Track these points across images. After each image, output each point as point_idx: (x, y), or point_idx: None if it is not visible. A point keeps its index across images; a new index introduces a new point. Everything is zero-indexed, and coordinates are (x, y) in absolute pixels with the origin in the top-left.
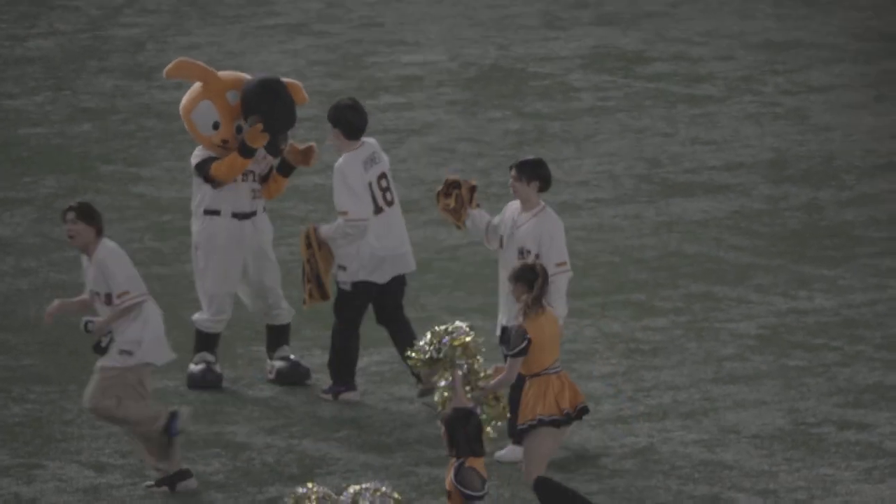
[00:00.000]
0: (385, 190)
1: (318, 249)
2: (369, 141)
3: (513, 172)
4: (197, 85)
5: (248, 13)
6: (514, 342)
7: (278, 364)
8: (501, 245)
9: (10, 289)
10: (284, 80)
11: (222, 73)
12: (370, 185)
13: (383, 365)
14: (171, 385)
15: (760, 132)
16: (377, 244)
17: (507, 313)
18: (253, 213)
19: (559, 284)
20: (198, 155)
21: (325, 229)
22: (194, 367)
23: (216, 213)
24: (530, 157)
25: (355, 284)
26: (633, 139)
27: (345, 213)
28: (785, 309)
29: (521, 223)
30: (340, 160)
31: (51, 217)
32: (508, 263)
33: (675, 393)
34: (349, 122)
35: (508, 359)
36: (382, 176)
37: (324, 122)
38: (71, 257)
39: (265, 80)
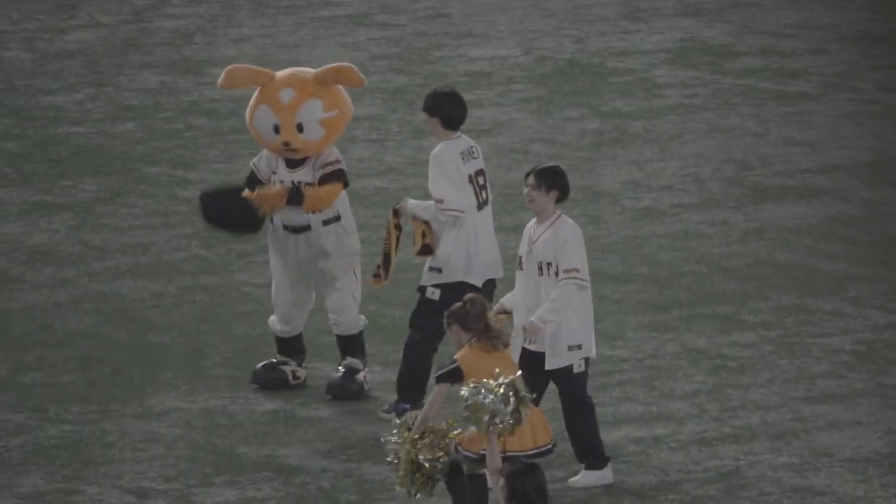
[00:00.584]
0: (482, 188)
1: (393, 229)
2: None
3: (530, 180)
4: (257, 90)
5: (304, 3)
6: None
7: (333, 375)
8: (521, 266)
9: (48, 301)
10: (335, 64)
11: (279, 73)
12: (470, 178)
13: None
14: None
15: (858, 132)
16: (475, 243)
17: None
18: (305, 228)
19: (565, 290)
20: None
21: (414, 204)
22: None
23: (271, 221)
24: (549, 163)
25: (447, 289)
26: (720, 139)
27: (440, 202)
28: (883, 323)
29: (537, 236)
30: (438, 148)
31: (91, 223)
32: (530, 283)
33: (763, 413)
34: (448, 112)
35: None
36: (480, 173)
37: (385, 121)
38: (112, 266)
39: (205, 200)
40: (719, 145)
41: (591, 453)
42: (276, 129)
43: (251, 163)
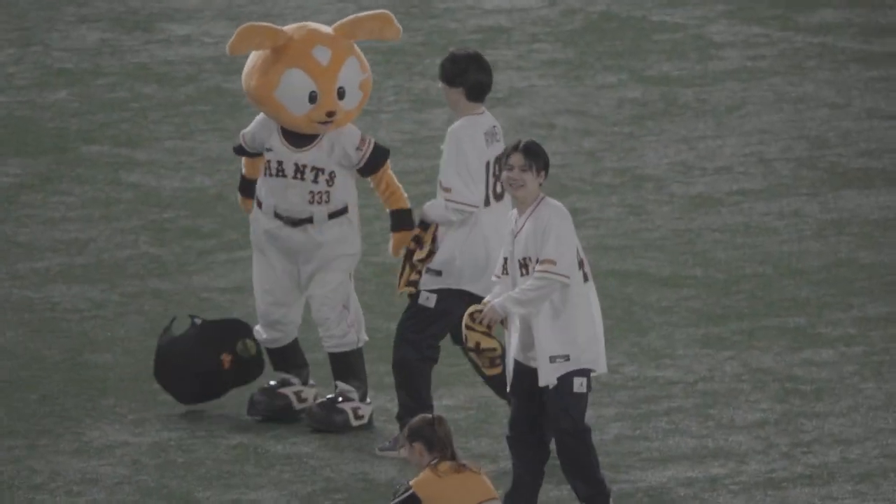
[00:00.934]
0: (498, 178)
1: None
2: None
3: (516, 160)
4: (260, 55)
5: None
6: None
7: (313, 402)
8: (505, 270)
9: None
10: (367, 13)
11: (289, 29)
12: (487, 165)
13: (458, 411)
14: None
15: None
16: (485, 245)
17: (517, 347)
18: (306, 220)
19: (536, 283)
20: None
21: (428, 207)
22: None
23: (259, 203)
24: (529, 138)
25: (445, 297)
26: (790, 112)
27: (448, 191)
28: None
29: (518, 228)
30: (458, 123)
31: (15, 214)
32: (515, 286)
33: (844, 448)
34: (473, 80)
35: None
36: (499, 160)
37: (378, 89)
38: (42, 268)
39: None
40: (789, 119)
41: (593, 497)
42: (313, 98)
43: (241, 134)
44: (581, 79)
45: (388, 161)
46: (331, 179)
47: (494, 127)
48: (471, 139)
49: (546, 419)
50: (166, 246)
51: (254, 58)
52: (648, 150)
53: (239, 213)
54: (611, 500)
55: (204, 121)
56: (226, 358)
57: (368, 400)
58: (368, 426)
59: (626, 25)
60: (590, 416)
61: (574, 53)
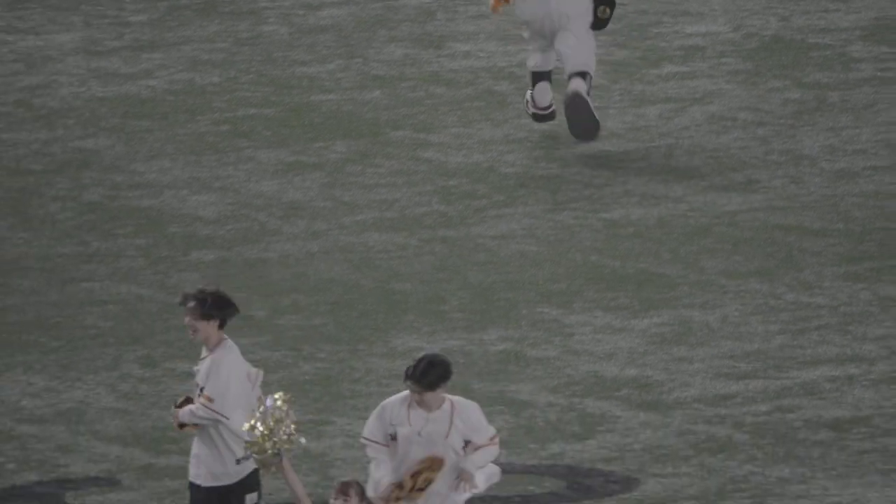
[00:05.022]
0: None
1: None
2: None
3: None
4: None
5: None
6: None
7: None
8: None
9: (302, 251)
10: None
11: None
12: None
13: (663, 326)
14: None
15: None
16: None
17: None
18: None
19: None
20: None
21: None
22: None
23: None
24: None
25: None
26: None
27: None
28: None
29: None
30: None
31: (341, 181)
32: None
33: None
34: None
35: None
36: None
37: (607, 91)
38: (360, 220)
39: None
40: None
41: None
42: None
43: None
44: (756, 84)
45: None
46: None
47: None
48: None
49: None
50: (452, 205)
51: None
52: (805, 136)
53: (506, 181)
54: None
55: (479, 113)
56: None
57: None
58: None
59: (790, 46)
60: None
61: (751, 65)
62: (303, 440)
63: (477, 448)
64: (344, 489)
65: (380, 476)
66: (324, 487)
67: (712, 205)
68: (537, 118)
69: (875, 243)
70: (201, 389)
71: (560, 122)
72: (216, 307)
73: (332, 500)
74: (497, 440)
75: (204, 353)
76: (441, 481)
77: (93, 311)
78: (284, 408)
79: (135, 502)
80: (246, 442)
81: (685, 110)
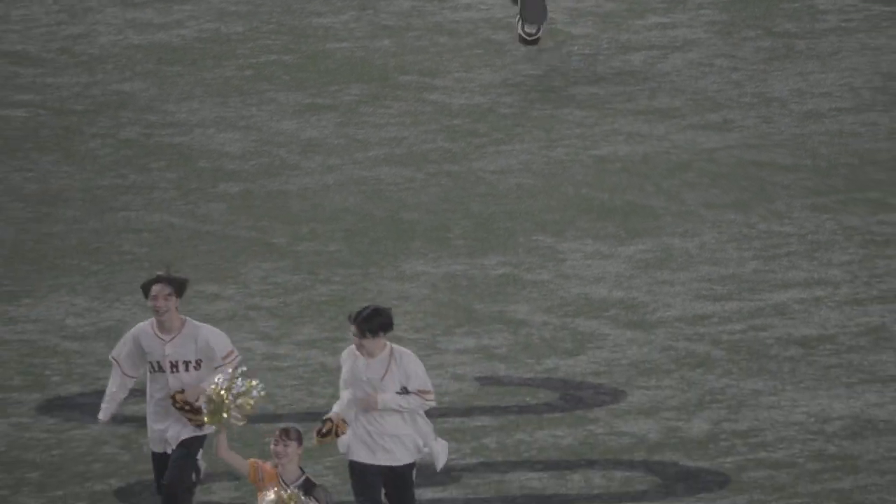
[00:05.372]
0: None
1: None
2: None
3: (361, 332)
4: None
5: None
6: None
7: None
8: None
9: (319, 184)
10: None
11: None
12: None
13: (647, 253)
14: None
15: None
16: None
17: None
18: None
19: None
20: None
21: (389, 399)
22: None
23: None
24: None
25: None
26: (871, 56)
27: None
28: None
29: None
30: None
31: (354, 121)
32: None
33: None
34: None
35: None
36: None
37: (596, 40)
38: (372, 156)
39: None
40: (870, 61)
41: None
42: None
43: None
44: (731, 33)
45: None
46: None
47: None
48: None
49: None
50: (455, 142)
51: None
52: (775, 81)
53: (504, 120)
54: None
55: (479, 60)
56: None
57: None
58: None
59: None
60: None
61: (727, 16)
62: (241, 422)
63: (408, 393)
64: (285, 433)
65: (335, 406)
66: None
67: (692, 142)
68: (524, 41)
69: (840, 177)
70: (186, 364)
71: (553, 68)
72: (183, 290)
73: (272, 446)
74: (430, 397)
75: (164, 335)
76: (391, 424)
77: (129, 237)
78: (250, 391)
79: None
80: (206, 396)
81: (667, 57)
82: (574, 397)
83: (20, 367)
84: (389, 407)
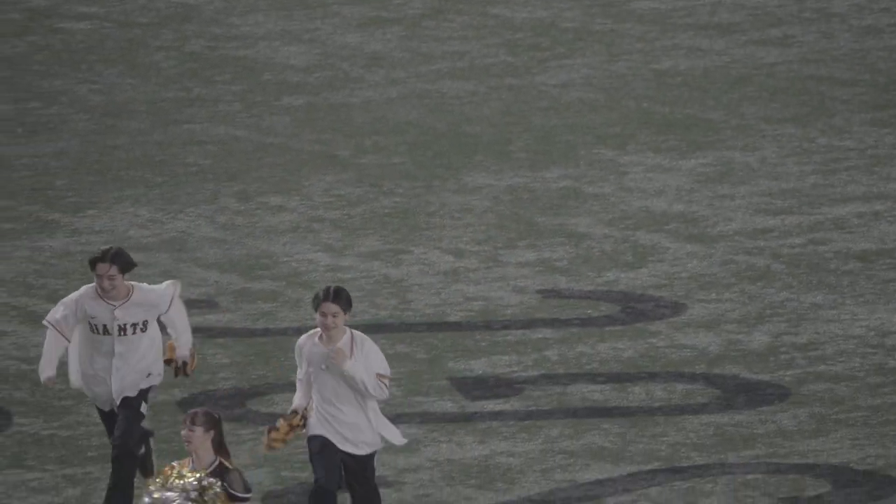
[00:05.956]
0: None
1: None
2: None
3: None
4: None
5: None
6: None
7: None
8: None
9: (382, 97)
10: None
11: None
12: None
13: (708, 166)
14: None
15: None
16: None
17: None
18: None
19: None
20: None
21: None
22: None
23: None
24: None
25: None
26: None
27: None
28: None
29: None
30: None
31: (418, 34)
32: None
33: None
34: None
35: None
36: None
37: None
38: (435, 69)
39: None
40: None
41: None
42: None
43: None
44: None
45: None
46: None
47: None
48: None
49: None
50: (517, 56)
51: None
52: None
53: (566, 34)
54: None
55: None
56: None
57: None
58: None
59: None
60: None
61: None
62: None
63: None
64: (190, 419)
65: (294, 400)
66: (401, 310)
67: (752, 57)
68: None
69: None
70: (134, 326)
71: None
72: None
73: (181, 430)
74: (387, 381)
75: (113, 301)
76: (351, 412)
77: (193, 150)
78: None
79: (231, 322)
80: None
81: None
82: (635, 310)
83: (85, 278)
84: (354, 374)
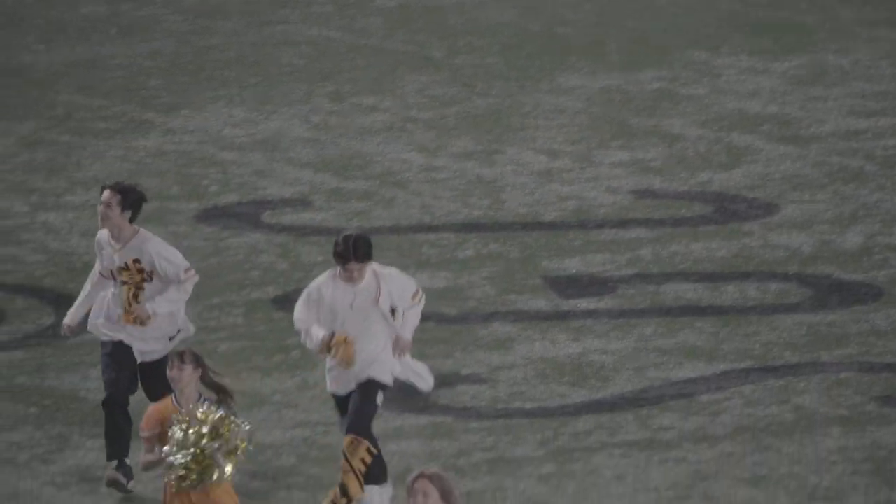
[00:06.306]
0: None
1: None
2: None
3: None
4: None
5: None
6: None
7: None
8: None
9: None
10: None
11: None
12: None
13: (801, 69)
14: None
15: None
16: None
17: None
18: None
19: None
20: None
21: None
22: None
23: None
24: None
25: None
26: None
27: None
28: None
29: None
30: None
31: None
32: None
33: None
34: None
35: None
36: None
37: None
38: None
39: None
40: None
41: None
42: None
43: None
44: None
45: None
46: None
47: None
48: None
49: None
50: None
51: None
52: None
53: None
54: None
55: None
56: None
57: None
58: None
59: None
60: None
61: None
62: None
63: (405, 314)
64: (179, 357)
65: (316, 332)
66: (494, 210)
67: None
68: None
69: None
70: (147, 274)
71: None
72: (137, 204)
73: (168, 371)
74: (420, 296)
75: (116, 244)
76: (373, 343)
77: (287, 50)
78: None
79: (325, 221)
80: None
81: None
82: (728, 210)
83: (178, 178)
84: (410, 336)
